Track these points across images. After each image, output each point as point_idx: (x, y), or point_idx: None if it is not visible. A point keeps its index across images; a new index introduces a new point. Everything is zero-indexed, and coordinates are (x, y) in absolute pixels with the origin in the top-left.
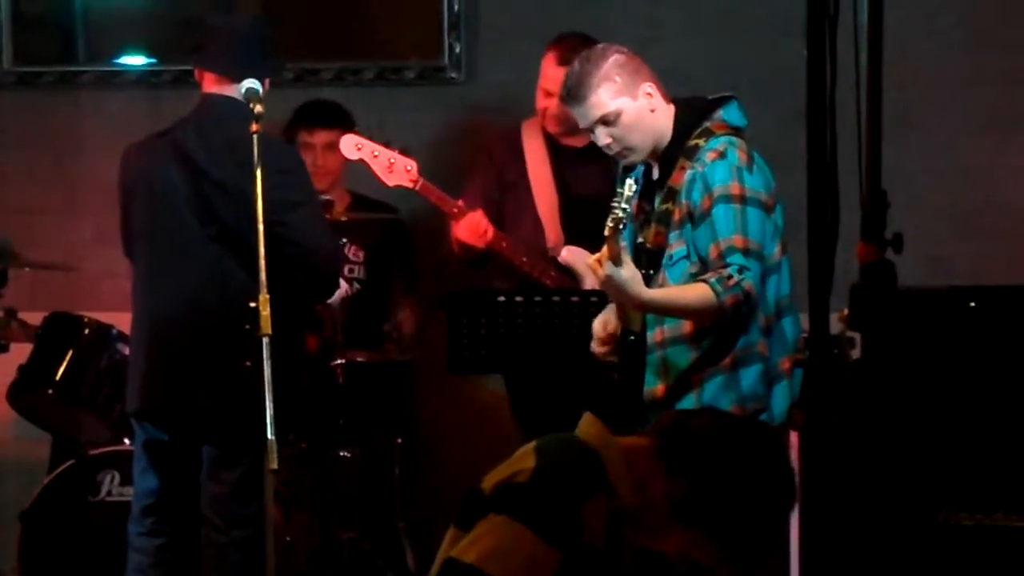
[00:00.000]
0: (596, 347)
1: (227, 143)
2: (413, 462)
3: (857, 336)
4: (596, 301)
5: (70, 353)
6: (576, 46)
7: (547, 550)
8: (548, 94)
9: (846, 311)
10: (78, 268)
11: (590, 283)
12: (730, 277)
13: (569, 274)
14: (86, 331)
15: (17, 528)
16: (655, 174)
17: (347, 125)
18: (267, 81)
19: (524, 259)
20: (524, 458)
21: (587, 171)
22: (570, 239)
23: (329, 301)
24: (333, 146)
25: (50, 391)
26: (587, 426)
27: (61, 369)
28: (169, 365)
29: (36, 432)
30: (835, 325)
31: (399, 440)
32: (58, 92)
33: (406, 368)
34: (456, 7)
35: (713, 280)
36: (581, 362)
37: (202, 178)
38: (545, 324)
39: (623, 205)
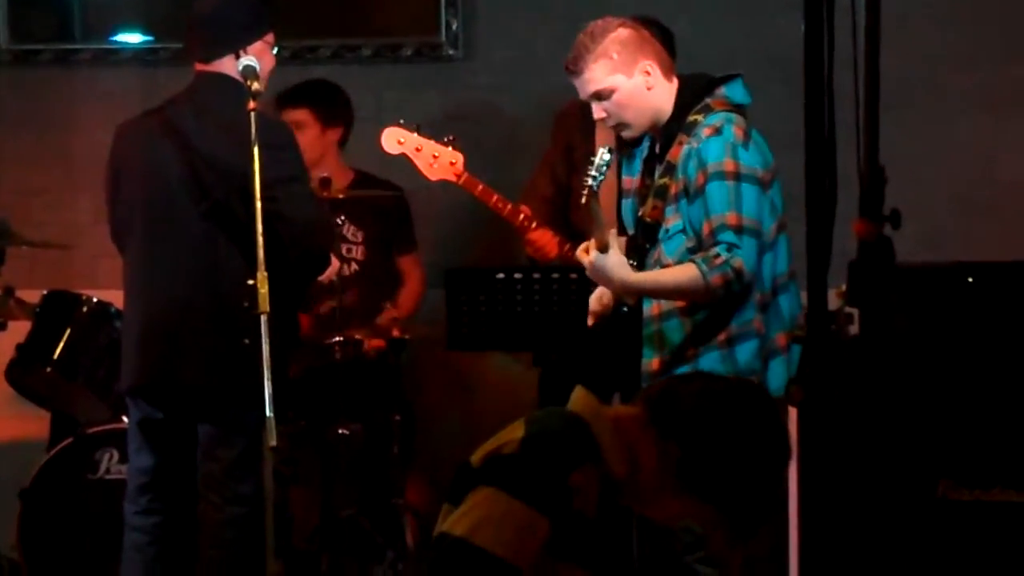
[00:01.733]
0: (591, 319)
1: (218, 120)
2: (412, 439)
3: (855, 312)
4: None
5: (68, 331)
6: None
7: (536, 518)
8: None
9: (844, 287)
10: (76, 246)
11: None
12: (717, 256)
13: None
14: (84, 309)
15: (16, 506)
16: (657, 148)
17: (317, 103)
18: (266, 41)
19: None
20: (512, 430)
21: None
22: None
23: (320, 279)
24: (300, 124)
25: (48, 369)
26: (578, 398)
27: (59, 347)
28: (163, 343)
29: (35, 410)
30: (833, 301)
31: (398, 417)
32: (55, 70)
33: (404, 345)
34: None
35: (700, 260)
36: (581, 337)
37: (193, 155)
38: (544, 301)
39: (593, 173)
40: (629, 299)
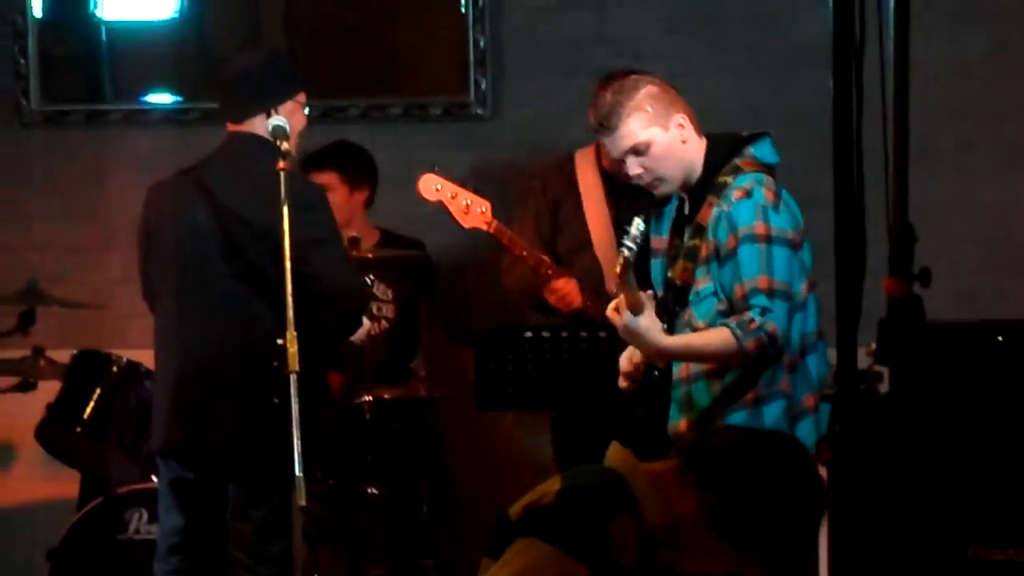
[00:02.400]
0: (622, 381)
1: (250, 180)
2: (440, 499)
3: (885, 370)
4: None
5: (98, 391)
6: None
7: (575, 566)
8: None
9: (874, 345)
10: (106, 306)
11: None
12: (751, 321)
13: None
14: (114, 369)
15: (46, 567)
16: (687, 209)
17: (342, 165)
18: (297, 101)
19: (596, 311)
20: (550, 484)
21: (645, 207)
22: None
23: (352, 339)
24: (331, 187)
25: (78, 429)
26: (614, 454)
27: (89, 407)
28: (194, 403)
29: (65, 470)
30: (863, 359)
31: (426, 477)
32: (86, 131)
33: (432, 404)
34: (482, 43)
35: (734, 325)
36: (610, 398)
37: (225, 215)
38: (573, 360)
39: (629, 244)
40: (660, 362)
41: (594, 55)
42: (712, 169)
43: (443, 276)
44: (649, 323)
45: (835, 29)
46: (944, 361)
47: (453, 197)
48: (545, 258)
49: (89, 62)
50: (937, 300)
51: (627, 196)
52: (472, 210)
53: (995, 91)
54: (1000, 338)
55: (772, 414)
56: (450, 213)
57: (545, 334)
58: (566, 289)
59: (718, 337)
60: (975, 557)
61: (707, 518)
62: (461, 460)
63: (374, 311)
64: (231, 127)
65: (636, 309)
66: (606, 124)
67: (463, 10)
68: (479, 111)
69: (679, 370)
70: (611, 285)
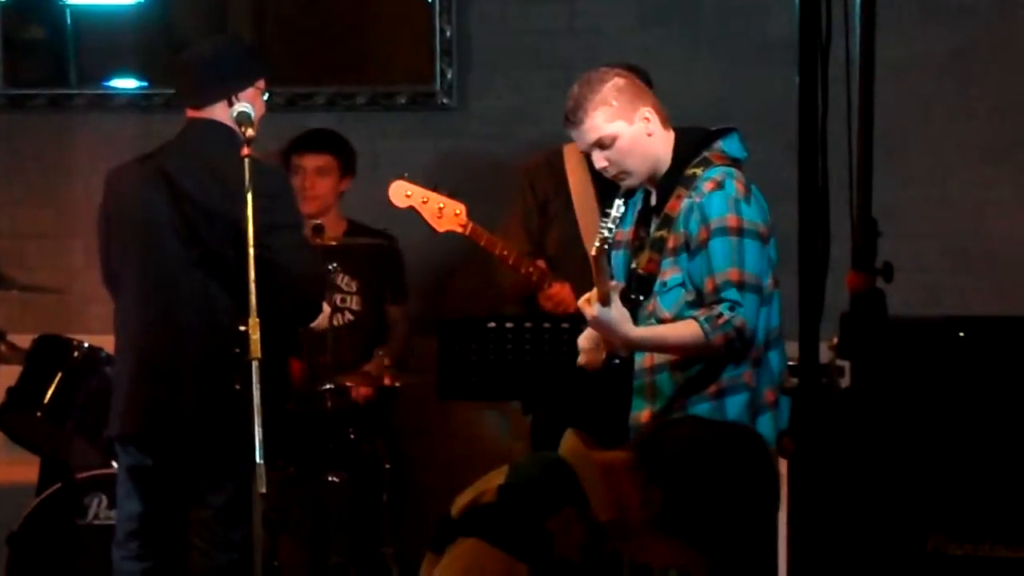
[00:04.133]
0: (582, 359)
1: (208, 167)
2: (401, 488)
3: (847, 365)
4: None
5: (59, 376)
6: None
7: (516, 564)
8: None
9: (836, 339)
10: (68, 290)
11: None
12: (720, 316)
13: None
14: (75, 354)
15: (5, 551)
16: (653, 200)
17: (340, 151)
18: (258, 87)
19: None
20: (492, 478)
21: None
22: None
23: (312, 325)
24: (323, 171)
25: (38, 414)
26: (567, 442)
27: (50, 392)
28: (153, 389)
29: (24, 454)
30: (825, 353)
31: (387, 465)
32: (50, 115)
33: (395, 394)
34: (448, 33)
35: (703, 319)
36: (573, 387)
37: (184, 201)
38: (535, 350)
39: (609, 225)
40: (623, 351)
41: (564, 47)
42: (680, 161)
43: (410, 267)
44: (619, 314)
45: (801, 25)
46: (906, 356)
47: (424, 202)
48: (538, 264)
49: (54, 46)
50: (900, 295)
51: (616, 190)
52: (446, 213)
53: (961, 88)
54: (962, 334)
55: (735, 406)
56: (422, 217)
57: (508, 324)
58: (562, 294)
59: (686, 330)
60: (935, 551)
61: (654, 514)
62: (422, 449)
63: (338, 302)
64: (191, 113)
65: (606, 299)
66: (572, 118)
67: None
68: (445, 101)
69: (643, 360)
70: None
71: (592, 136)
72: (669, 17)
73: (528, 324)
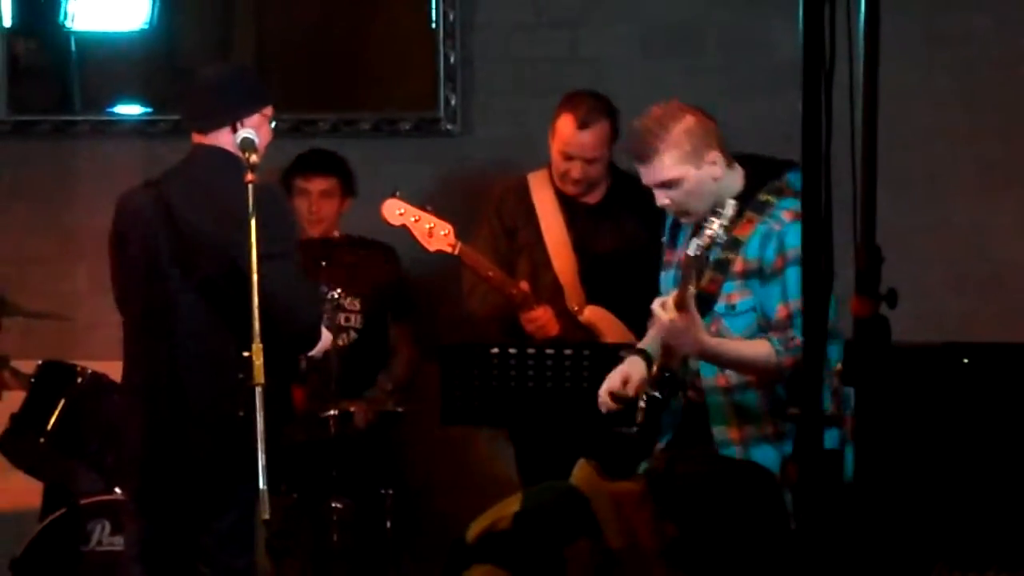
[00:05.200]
0: (608, 401)
1: (207, 194)
2: (405, 514)
3: (851, 391)
4: (588, 355)
5: (63, 402)
6: (592, 107)
7: None
8: (568, 158)
9: (840, 366)
10: (72, 317)
11: (611, 339)
12: (793, 338)
13: (590, 334)
14: (79, 380)
15: None
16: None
17: (343, 172)
18: (264, 114)
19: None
20: (507, 505)
21: (603, 228)
22: (591, 297)
23: (312, 353)
24: (328, 193)
25: (42, 440)
26: (580, 472)
27: (53, 418)
28: (156, 415)
29: (27, 480)
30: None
31: (391, 491)
32: (54, 141)
33: (399, 419)
34: (452, 59)
35: (776, 340)
36: (575, 414)
37: (184, 228)
38: (538, 377)
39: (724, 223)
40: (674, 363)
41: (566, 74)
42: (752, 187)
43: (415, 287)
44: (695, 321)
45: (805, 51)
46: (910, 382)
47: (416, 220)
48: (521, 285)
49: (58, 72)
50: (903, 322)
51: (583, 217)
52: (435, 233)
53: (964, 113)
54: (966, 360)
55: (830, 440)
56: (413, 236)
57: (511, 351)
58: (544, 318)
59: (758, 347)
60: None
61: (664, 549)
62: (426, 475)
63: (341, 322)
64: (196, 138)
65: (682, 304)
66: (639, 154)
67: (433, 26)
68: (449, 127)
69: (715, 378)
70: (572, 304)
71: (658, 177)
72: (672, 44)
73: (531, 351)
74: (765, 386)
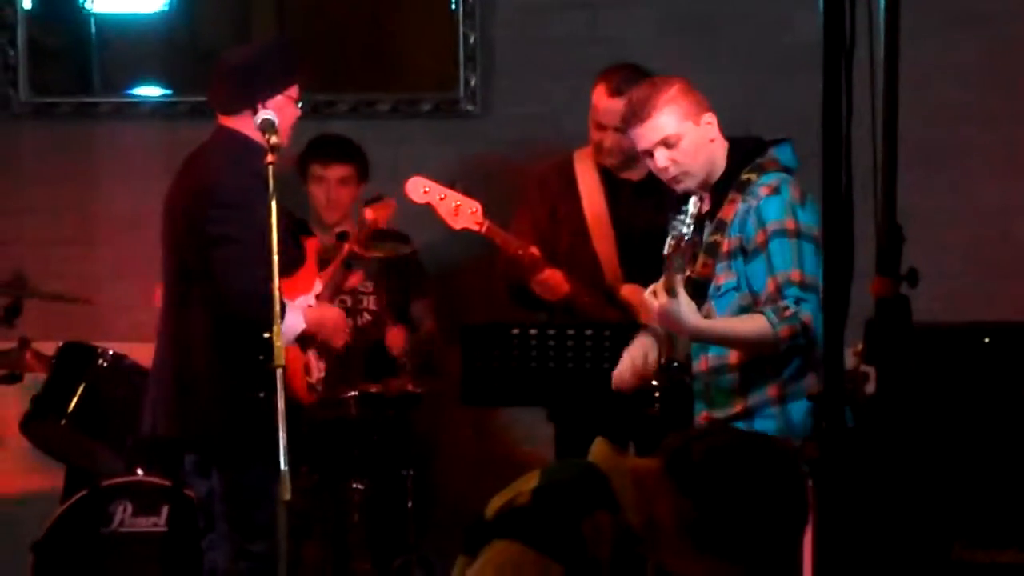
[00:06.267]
0: (630, 378)
1: (199, 177)
2: (425, 495)
3: (871, 371)
4: (609, 335)
5: (83, 384)
6: (628, 76)
7: (550, 565)
8: (601, 127)
9: (861, 345)
10: (92, 299)
11: (646, 318)
12: (786, 308)
13: (627, 312)
14: (100, 361)
15: (30, 559)
16: (704, 206)
17: (360, 160)
18: (288, 95)
19: (587, 300)
20: (526, 481)
21: (644, 205)
22: (629, 275)
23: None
24: (346, 180)
25: (63, 422)
26: (597, 449)
27: (74, 400)
28: (167, 392)
29: (49, 462)
30: (850, 359)
31: (411, 472)
32: (74, 123)
33: (418, 399)
34: (472, 40)
35: (769, 311)
36: (596, 394)
37: (176, 212)
38: (559, 357)
39: (687, 220)
40: (679, 354)
41: (586, 54)
42: (734, 167)
43: (431, 273)
44: (686, 304)
45: (825, 31)
46: (931, 362)
47: (441, 199)
48: (531, 249)
49: (78, 54)
50: (924, 301)
51: (626, 193)
52: (462, 211)
53: (986, 93)
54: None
55: (799, 412)
56: (439, 214)
57: (532, 331)
58: (554, 279)
59: (752, 323)
60: (959, 559)
61: (684, 524)
62: (446, 455)
63: (357, 304)
64: (220, 120)
65: (671, 290)
66: (639, 113)
67: (453, 6)
68: (468, 108)
69: (698, 363)
70: (610, 280)
71: (658, 134)
72: (691, 24)
73: (551, 331)
74: (741, 367)
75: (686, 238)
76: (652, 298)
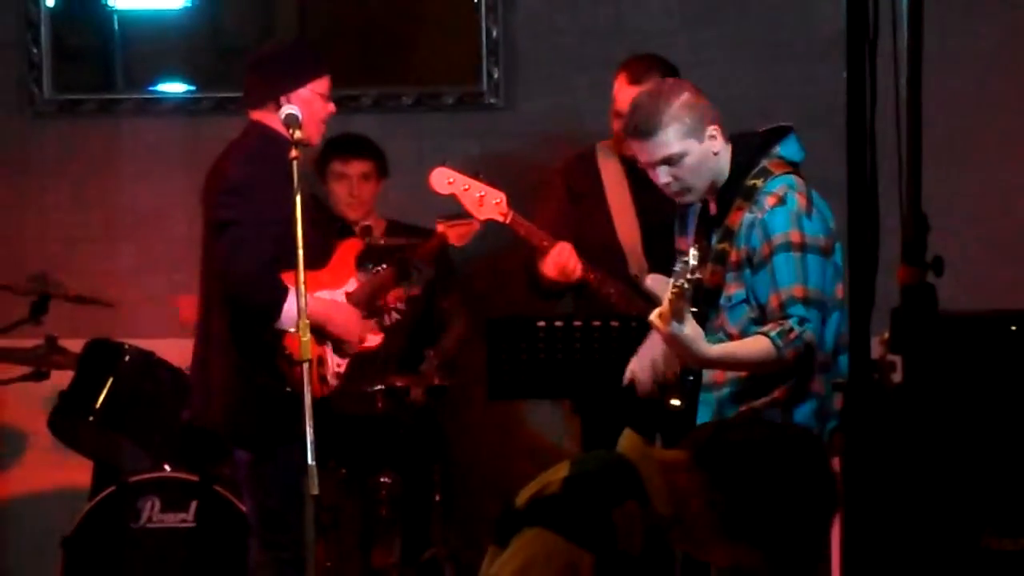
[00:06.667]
0: (636, 382)
1: (216, 171)
2: (452, 488)
3: (898, 360)
4: (636, 327)
5: (110, 380)
6: (649, 65)
7: (580, 553)
8: (622, 116)
9: (887, 335)
10: (118, 296)
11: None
12: (791, 330)
13: (652, 302)
14: (126, 358)
15: (59, 555)
16: (712, 209)
17: (380, 156)
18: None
19: (612, 291)
20: (556, 471)
21: (668, 196)
22: (653, 265)
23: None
24: (367, 176)
25: (91, 418)
26: (626, 440)
27: (102, 396)
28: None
29: (77, 458)
30: (876, 349)
31: (438, 465)
32: (98, 120)
33: (445, 393)
34: (495, 33)
35: (774, 334)
36: (621, 386)
37: (201, 205)
38: (585, 350)
39: (688, 275)
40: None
41: (609, 46)
42: (739, 171)
43: (455, 267)
44: (693, 332)
45: (849, 20)
46: (958, 350)
47: (466, 189)
48: (547, 236)
49: (101, 51)
50: (949, 290)
51: (651, 185)
52: (486, 201)
53: (1009, 81)
54: (1014, 328)
55: (802, 415)
56: (463, 205)
57: (558, 323)
58: (562, 257)
59: (757, 346)
60: (988, 547)
61: (715, 513)
62: (473, 449)
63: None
64: (249, 114)
65: (679, 316)
66: (642, 129)
67: (476, 0)
68: (492, 101)
69: (713, 373)
70: (635, 271)
71: (661, 152)
72: (714, 15)
73: (577, 323)
74: (749, 376)
75: (686, 288)
76: (659, 323)
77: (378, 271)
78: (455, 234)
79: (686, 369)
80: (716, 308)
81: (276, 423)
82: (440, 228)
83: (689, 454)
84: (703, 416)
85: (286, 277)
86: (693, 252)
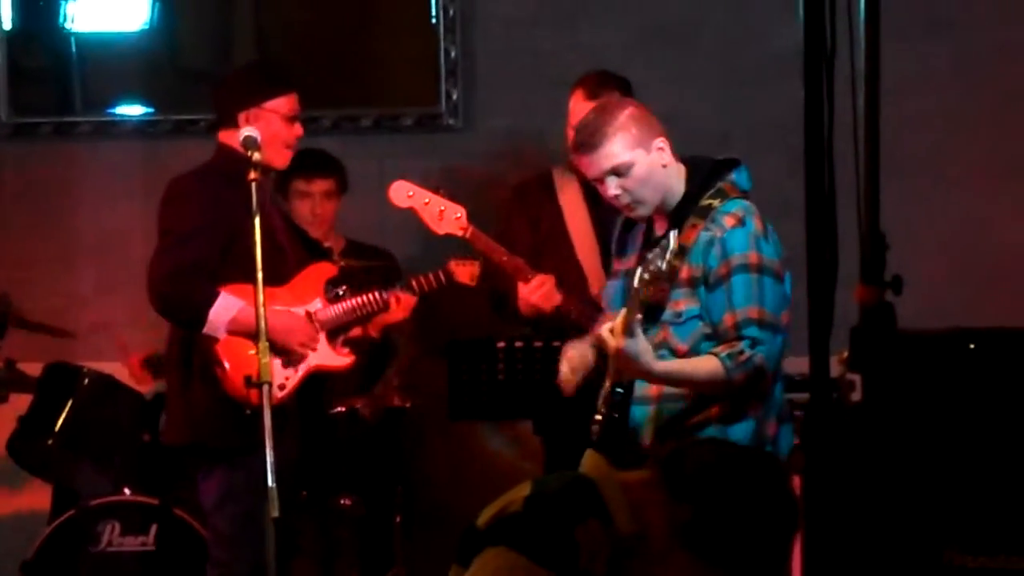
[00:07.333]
0: (564, 382)
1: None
2: (413, 510)
3: (857, 378)
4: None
5: (69, 403)
6: (605, 81)
7: (542, 573)
8: None
9: (846, 353)
10: (76, 320)
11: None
12: (741, 353)
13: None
14: (85, 381)
15: None
16: (657, 230)
17: (342, 173)
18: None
19: (575, 312)
20: (518, 491)
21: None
22: None
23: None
24: (329, 194)
25: (50, 441)
26: (588, 460)
27: (61, 420)
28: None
29: (36, 482)
30: (835, 367)
31: (399, 487)
32: (55, 142)
33: (405, 414)
34: (453, 54)
35: (724, 355)
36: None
37: None
38: (545, 371)
39: (667, 257)
40: (626, 379)
41: (567, 67)
42: (695, 191)
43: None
44: (643, 346)
45: (806, 39)
46: (917, 369)
47: (426, 203)
48: (515, 259)
49: (59, 74)
50: (908, 308)
51: (609, 207)
52: (446, 216)
53: (966, 101)
54: (972, 346)
55: (739, 433)
56: (422, 219)
57: (518, 344)
58: (546, 288)
59: (707, 366)
60: (949, 564)
61: (677, 532)
62: (434, 470)
63: None
64: (218, 135)
65: (630, 331)
66: (589, 142)
67: (434, 21)
68: (450, 122)
69: (648, 387)
70: (597, 292)
71: (609, 163)
72: (672, 34)
73: (537, 344)
74: (688, 395)
75: (660, 280)
76: (609, 337)
77: (358, 295)
78: (464, 273)
79: (616, 383)
80: (657, 323)
81: (219, 444)
82: (453, 267)
83: (651, 473)
84: (642, 429)
85: (232, 289)
86: (673, 234)
